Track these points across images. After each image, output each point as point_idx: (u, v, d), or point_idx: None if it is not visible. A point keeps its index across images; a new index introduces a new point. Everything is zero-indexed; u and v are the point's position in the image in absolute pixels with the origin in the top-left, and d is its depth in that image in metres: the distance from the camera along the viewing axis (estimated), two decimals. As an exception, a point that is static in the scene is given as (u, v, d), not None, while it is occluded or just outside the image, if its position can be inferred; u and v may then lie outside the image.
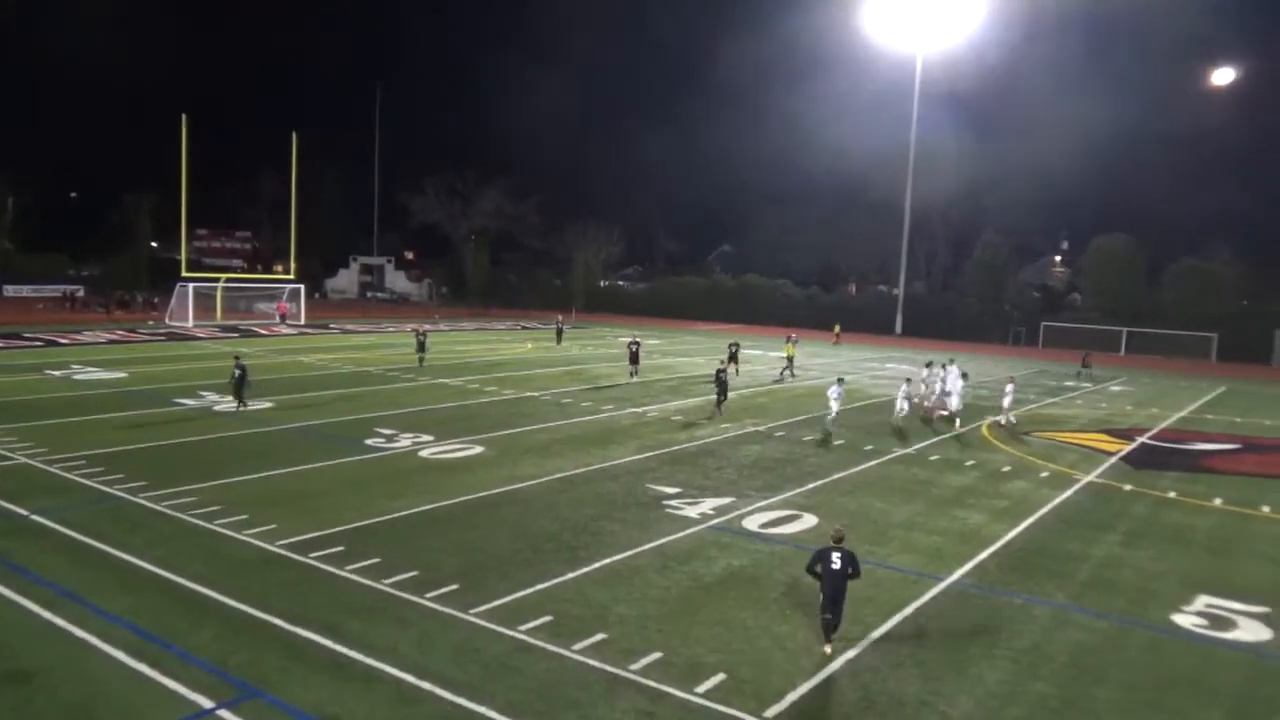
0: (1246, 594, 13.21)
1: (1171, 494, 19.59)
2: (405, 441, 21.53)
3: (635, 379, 34.43)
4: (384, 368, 36.15)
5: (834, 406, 24.97)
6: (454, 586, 12.08)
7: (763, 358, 48.28)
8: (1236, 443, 26.93)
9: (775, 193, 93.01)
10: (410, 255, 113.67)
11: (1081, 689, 10.01)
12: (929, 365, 31.76)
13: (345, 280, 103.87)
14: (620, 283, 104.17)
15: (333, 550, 13.35)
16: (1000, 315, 73.23)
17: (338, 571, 12.56)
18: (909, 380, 28.96)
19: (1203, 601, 12.84)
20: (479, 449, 21.04)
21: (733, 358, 39.41)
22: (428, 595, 11.77)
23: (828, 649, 10.47)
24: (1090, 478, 20.87)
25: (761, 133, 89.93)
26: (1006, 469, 21.42)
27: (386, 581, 12.20)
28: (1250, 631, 11.86)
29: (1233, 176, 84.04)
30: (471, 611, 11.30)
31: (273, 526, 14.33)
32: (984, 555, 14.63)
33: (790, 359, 39.89)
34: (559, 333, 51.99)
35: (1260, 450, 25.98)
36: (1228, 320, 63.84)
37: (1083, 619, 12.10)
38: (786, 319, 68.36)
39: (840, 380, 26.19)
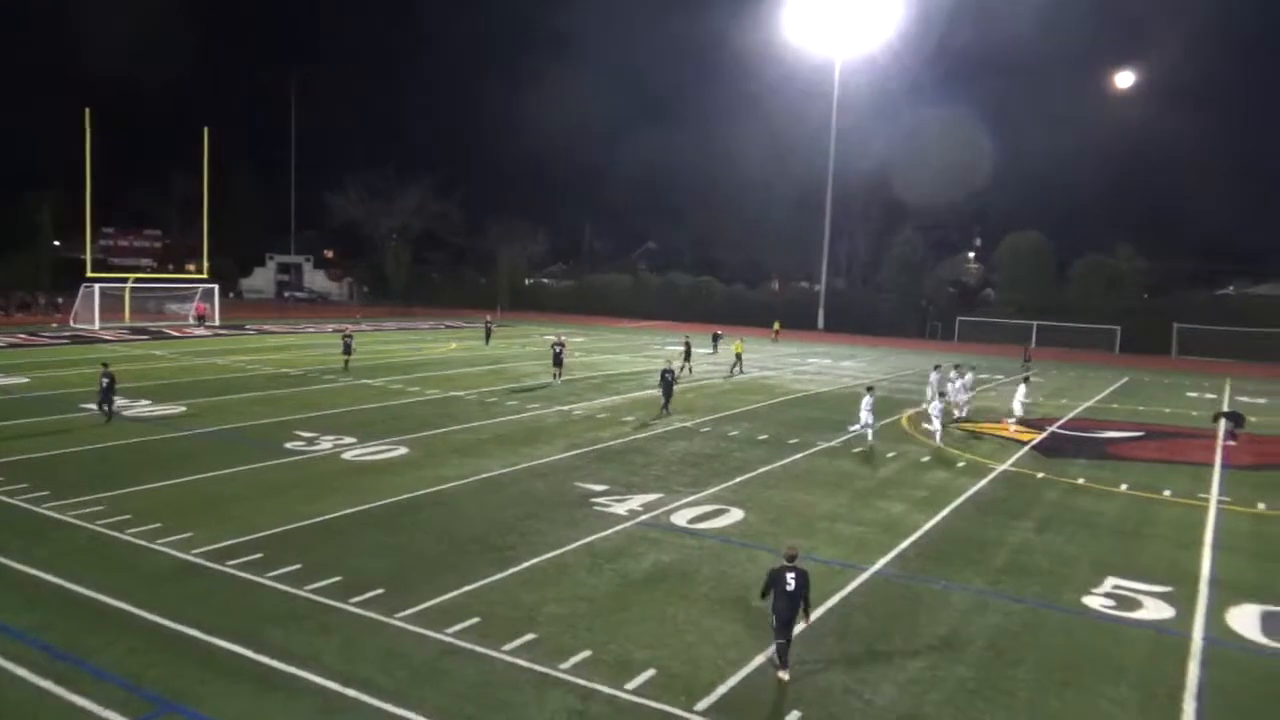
0: (1150, 575, 13.82)
1: (1081, 480, 20.36)
2: (326, 444, 21.05)
3: (559, 381, 33.26)
4: (303, 369, 35.29)
5: (865, 417, 23.30)
6: (379, 591, 11.86)
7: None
8: (1140, 430, 28.14)
9: (700, 190, 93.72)
10: (330, 254, 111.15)
11: (999, 671, 10.33)
12: (937, 368, 31.10)
13: (261, 279, 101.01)
14: (545, 280, 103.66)
15: (251, 558, 12.97)
16: (918, 310, 75.15)
17: (257, 579, 12.21)
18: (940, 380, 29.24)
19: (1111, 583, 13.39)
20: (403, 450, 20.70)
21: (686, 354, 39.88)
22: (352, 601, 11.53)
23: (785, 675, 9.72)
24: (1005, 467, 21.56)
25: (686, 131, 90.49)
26: (926, 459, 21.99)
27: (308, 588, 11.91)
28: (1154, 610, 12.40)
29: (1134, 176, 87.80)
30: (397, 616, 11.11)
31: (187, 535, 13.85)
32: (905, 544, 14.99)
33: (739, 356, 40.24)
34: (488, 332, 51.11)
35: (1161, 437, 27.20)
36: (1130, 314, 66.73)
37: (999, 603, 12.49)
38: (711, 316, 68.98)
39: (870, 389, 24.24)
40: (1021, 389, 29.12)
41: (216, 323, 57.27)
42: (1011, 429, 26.96)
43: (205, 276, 60.35)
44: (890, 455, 22.39)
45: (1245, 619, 12.18)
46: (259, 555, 13.07)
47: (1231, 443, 25.77)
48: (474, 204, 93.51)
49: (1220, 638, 11.55)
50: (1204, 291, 76.34)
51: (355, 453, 20.28)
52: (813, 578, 12.98)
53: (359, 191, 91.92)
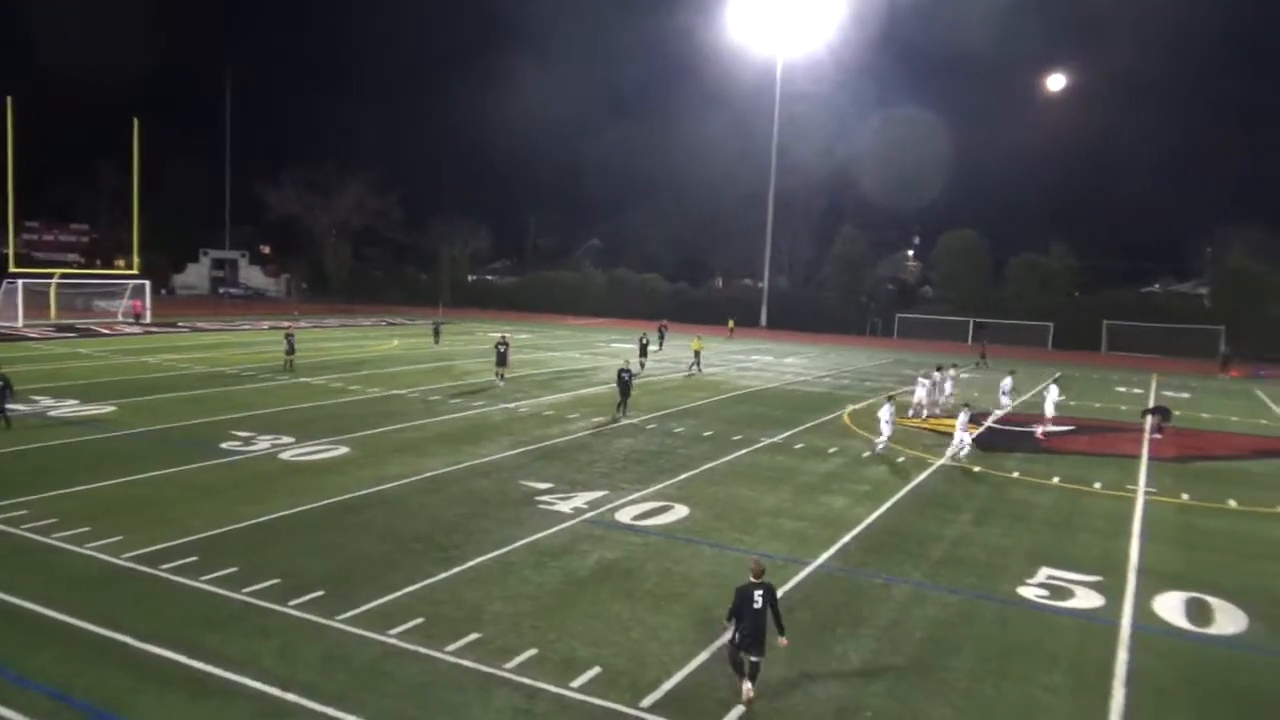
0: (1081, 565, 14.23)
1: (1015, 474, 20.88)
2: (264, 444, 20.61)
3: (503, 381, 32.00)
4: (240, 367, 34.49)
5: (886, 430, 22.19)
6: (319, 593, 11.66)
7: (632, 351, 48.63)
8: (1071, 424, 28.94)
9: (644, 188, 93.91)
10: (266, 249, 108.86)
11: (937, 661, 10.55)
12: (939, 369, 31.21)
13: (195, 276, 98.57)
14: (489, 277, 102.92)
15: (185, 561, 12.65)
16: (859, 308, 76.32)
17: (191, 583, 11.91)
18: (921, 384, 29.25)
19: (1044, 573, 13.75)
20: (344, 450, 20.37)
21: (643, 350, 40.03)
22: (291, 603, 11.31)
23: (750, 690, 9.26)
24: (943, 461, 22.00)
25: (630, 128, 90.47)
26: (867, 455, 22.33)
27: (246, 591, 11.65)
28: (1085, 599, 12.78)
29: (1065, 177, 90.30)
30: (338, 618, 10.93)
31: (118, 538, 13.45)
32: (847, 538, 15.21)
33: (698, 353, 40.31)
34: (436, 331, 49.46)
35: (1092, 431, 28.04)
36: (1062, 310, 68.67)
37: (938, 595, 12.75)
38: (656, 313, 69.14)
39: (890, 398, 23.26)
40: (1054, 390, 28.07)
41: (148, 320, 55.68)
42: (1039, 433, 26.62)
43: (136, 272, 58.66)
44: (832, 451, 22.70)
45: (1170, 606, 12.62)
46: (194, 558, 12.75)
47: (1158, 436, 26.67)
48: (415, 200, 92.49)
49: (1147, 624, 11.95)
50: (1131, 290, 78.87)
51: (294, 453, 19.90)
52: (756, 573, 13.23)
53: (297, 186, 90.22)
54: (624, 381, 26.40)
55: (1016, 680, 10.16)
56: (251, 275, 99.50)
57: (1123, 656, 10.90)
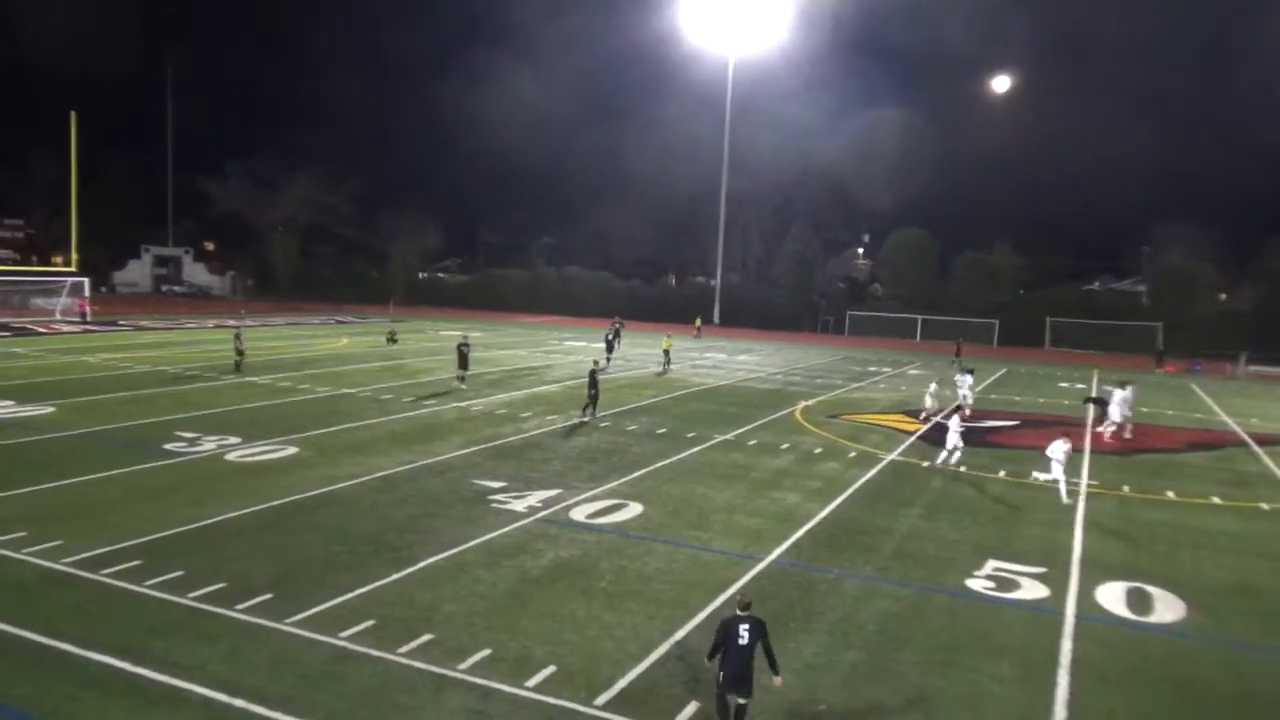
0: (1027, 557, 14.55)
1: (963, 469, 21.25)
2: (209, 445, 20.18)
3: (464, 385, 30.60)
4: (184, 367, 33.73)
5: (954, 440, 21.03)
6: (267, 596, 11.45)
7: (586, 349, 48.61)
8: (1016, 419, 29.57)
9: (596, 185, 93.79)
10: (211, 246, 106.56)
11: (889, 654, 10.70)
12: (969, 372, 31.18)
13: (136, 273, 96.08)
14: (440, 275, 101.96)
15: (128, 565, 12.33)
16: (810, 305, 77.10)
17: (135, 588, 11.62)
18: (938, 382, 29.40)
19: (992, 566, 14.03)
20: (292, 450, 20.03)
21: (609, 346, 40.11)
22: (238, 607, 11.10)
23: None
24: (893, 456, 22.33)
25: (583, 126, 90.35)
26: (818, 451, 22.57)
27: (191, 595, 11.40)
28: (1031, 591, 13.06)
29: (1010, 176, 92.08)
30: (287, 621, 10.75)
31: (57, 543, 13.07)
32: (800, 534, 15.36)
33: (667, 352, 40.21)
34: (391, 334, 47.99)
35: (1037, 426, 28.63)
36: (1007, 308, 70.10)
37: (888, 589, 12.93)
38: (609, 311, 69.08)
39: (958, 409, 22.13)
40: (1130, 391, 27.26)
41: (88, 319, 54.17)
42: (1107, 435, 26.65)
43: (74, 269, 57.00)
44: (784, 447, 22.90)
45: (1112, 595, 12.95)
46: (137, 563, 12.44)
47: (1100, 429, 27.34)
48: (365, 196, 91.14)
49: (1090, 614, 12.25)
50: (1073, 287, 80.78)
51: (241, 453, 19.51)
52: (711, 569, 13.31)
53: (242, 181, 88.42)
54: (594, 380, 25.77)
55: (965, 671, 10.35)
56: (196, 272, 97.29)
57: (1067, 646, 11.16)
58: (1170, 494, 19.54)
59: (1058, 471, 18.75)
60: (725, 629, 8.53)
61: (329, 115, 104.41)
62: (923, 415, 28.28)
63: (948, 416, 25.20)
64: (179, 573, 12.10)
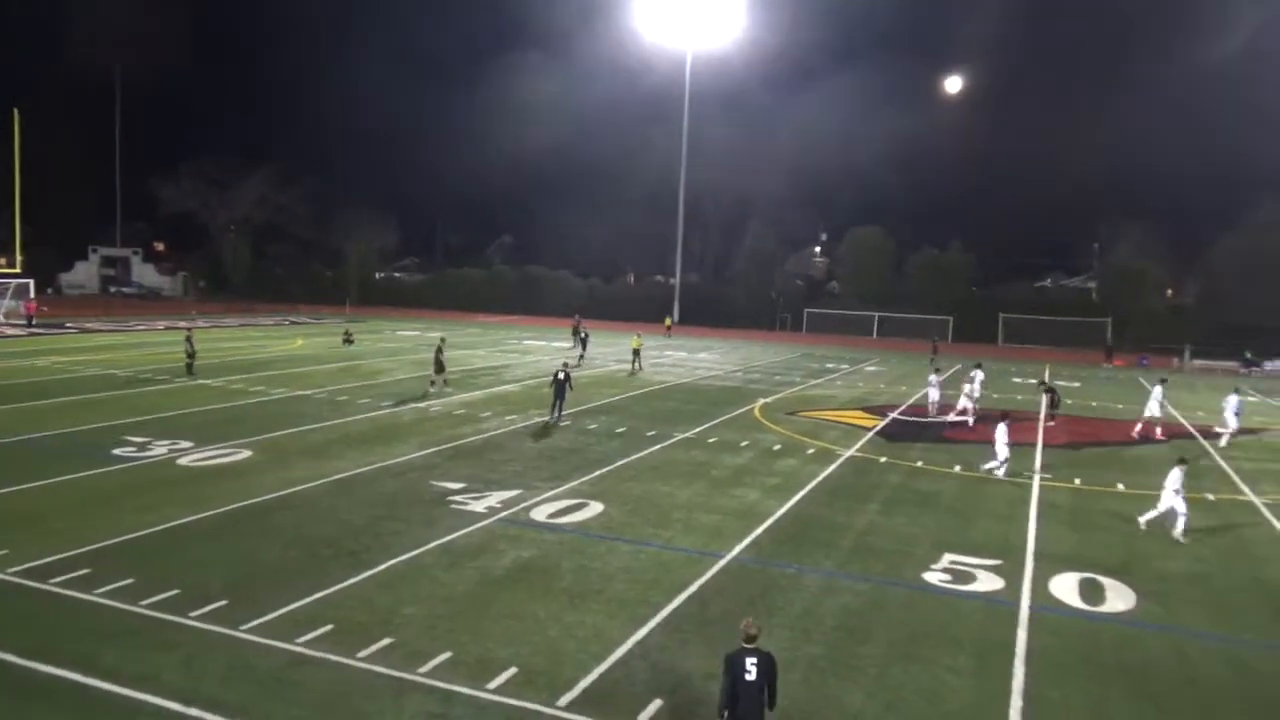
0: (982, 550, 14.78)
1: (920, 463, 21.54)
2: (160, 449, 19.76)
3: (443, 389, 30.01)
4: (134, 369, 33.00)
5: (1002, 451, 20.30)
6: (222, 603, 11.24)
7: (545, 348, 48.47)
8: (971, 415, 29.94)
9: (554, 184, 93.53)
10: (161, 246, 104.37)
11: (849, 648, 10.81)
12: (978, 366, 31.24)
13: (84, 274, 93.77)
14: (397, 274, 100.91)
15: (77, 574, 12.03)
16: (768, 303, 77.59)
17: (84, 597, 11.34)
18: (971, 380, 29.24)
19: (948, 559, 14.23)
20: (246, 453, 19.69)
21: (583, 344, 40.37)
22: (192, 614, 10.88)
23: None
24: (851, 452, 22.55)
25: (540, 124, 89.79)
26: (778, 448, 22.72)
27: (144, 603, 11.15)
28: (986, 583, 13.27)
29: (964, 174, 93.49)
30: (243, 628, 10.56)
31: (2, 552, 12.70)
32: (760, 530, 15.44)
33: (637, 351, 39.97)
34: (347, 335, 47.00)
35: (990, 421, 29.01)
36: (961, 305, 71.17)
37: (848, 583, 13.06)
38: (568, 310, 68.96)
39: (1006, 415, 21.29)
40: (1159, 390, 27.45)
41: (34, 321, 52.76)
42: (1135, 432, 26.98)
43: (18, 270, 55.44)
44: (744, 444, 23.01)
45: (1065, 586, 13.21)
46: (86, 571, 12.13)
47: (1051, 424, 27.86)
48: (320, 195, 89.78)
49: (1044, 605, 12.47)
50: (1025, 285, 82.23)
51: (193, 457, 19.14)
52: (672, 566, 13.33)
53: (193, 180, 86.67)
54: (559, 383, 25.37)
55: (924, 663, 10.48)
56: (145, 273, 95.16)
57: (1022, 636, 11.35)
58: (1120, 486, 19.97)
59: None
60: (732, 665, 7.75)
61: (282, 114, 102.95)
62: (953, 413, 28.30)
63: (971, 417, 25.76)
64: (130, 580, 11.83)
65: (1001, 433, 20.30)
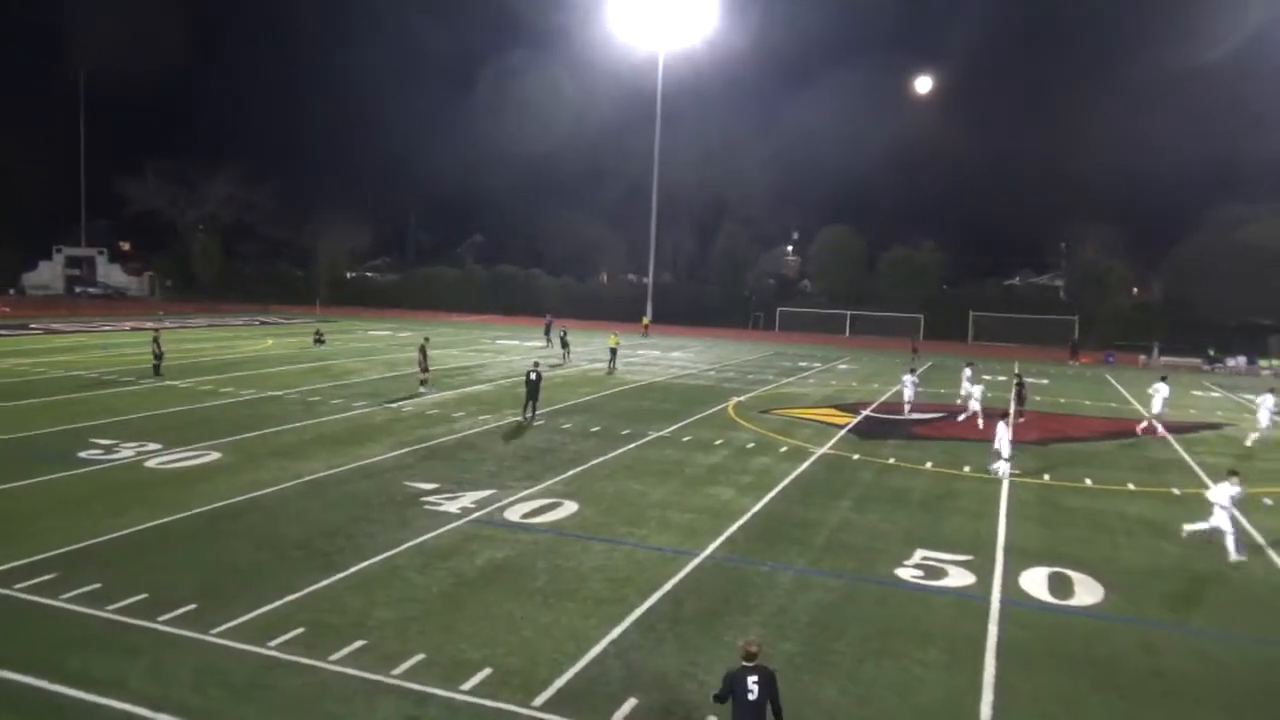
0: (953, 545, 14.92)
1: (892, 460, 21.71)
2: (127, 451, 19.49)
3: (421, 390, 29.73)
4: (100, 371, 32.51)
5: (1004, 449, 20.22)
6: (191, 606, 11.10)
7: (519, 347, 48.34)
8: (942, 411, 30.30)
9: (526, 184, 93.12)
10: (127, 245, 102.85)
11: (823, 644, 10.87)
12: (970, 364, 31.31)
13: (48, 274, 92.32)
14: (369, 274, 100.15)
15: (43, 579, 11.83)
16: (741, 301, 77.86)
17: (50, 602, 11.15)
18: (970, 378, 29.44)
19: (920, 555, 14.35)
20: (215, 455, 19.46)
21: (563, 343, 40.45)
22: (161, 619, 10.73)
23: None
24: (824, 450, 22.68)
25: (512, 124, 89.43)
26: (751, 446, 22.80)
27: (110, 608, 10.99)
28: (958, 578, 13.40)
29: (934, 174, 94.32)
30: (213, 632, 10.44)
31: (-36, 558, 12.48)
32: (734, 529, 15.49)
33: (614, 350, 39.86)
34: (318, 335, 46.65)
35: (990, 419, 29.33)
36: (932, 303, 71.82)
37: (821, 580, 13.14)
38: (541, 310, 68.81)
39: (1005, 417, 21.49)
40: (1163, 387, 27.54)
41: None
42: (1140, 428, 27.39)
43: (-21, 271, 54.45)
44: (718, 443, 23.07)
45: (1035, 580, 13.36)
46: (51, 576, 11.94)
47: (1020, 420, 28.17)
48: (290, 194, 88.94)
49: (1014, 599, 12.62)
50: (995, 283, 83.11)
51: (161, 460, 18.89)
52: (646, 565, 13.34)
53: (160, 178, 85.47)
54: (531, 383, 25.26)
55: (896, 658, 10.57)
56: (111, 273, 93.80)
57: (993, 631, 11.48)
58: (1088, 481, 20.24)
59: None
60: (733, 683, 7.66)
61: (251, 111, 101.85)
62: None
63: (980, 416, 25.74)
64: (96, 585, 11.66)
65: (1002, 431, 20.33)
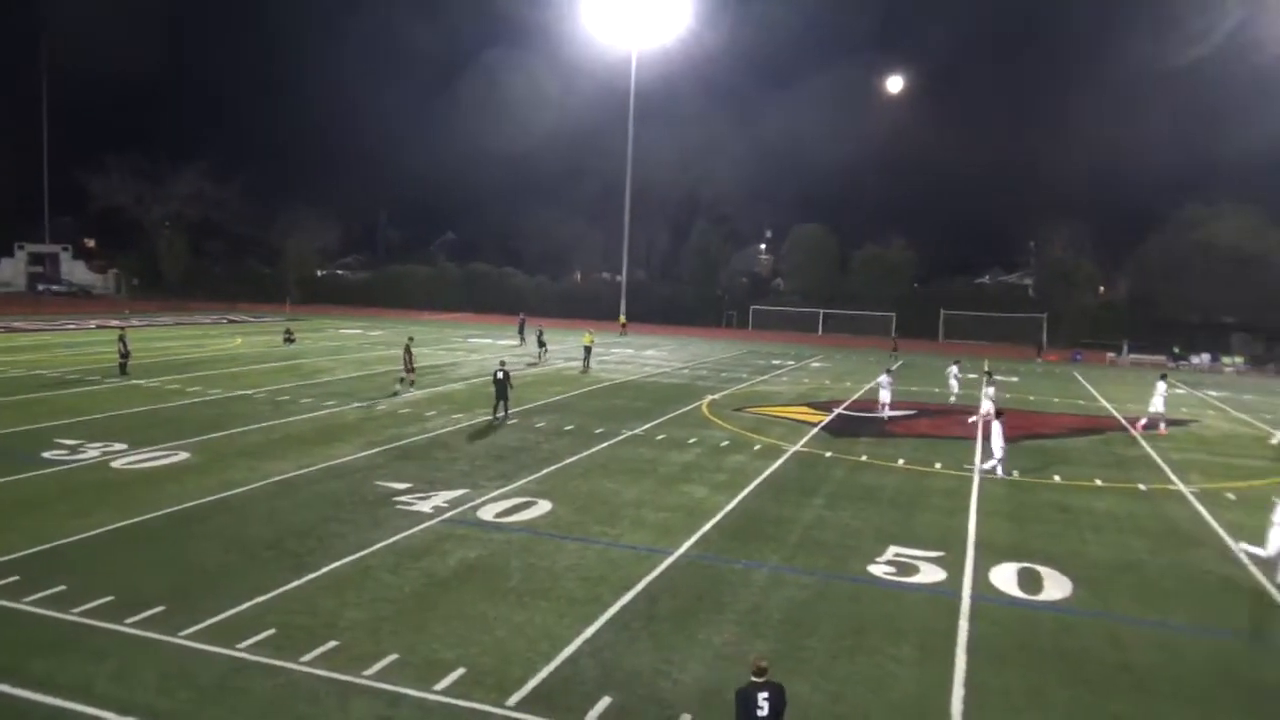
0: (925, 542, 15.04)
1: (864, 457, 21.85)
2: (93, 452, 19.18)
3: (397, 388, 29.69)
4: (64, 370, 31.97)
5: (997, 451, 20.26)
6: (159, 609, 10.94)
7: (491, 346, 48.14)
8: (913, 409, 30.54)
9: (500, 181, 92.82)
10: (91, 243, 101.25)
11: (796, 641, 10.92)
12: (957, 362, 31.35)
13: (10, 271, 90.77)
14: (339, 272, 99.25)
15: (6, 581, 11.61)
16: (714, 300, 78.05)
17: (13, 605, 10.94)
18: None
19: (892, 551, 14.45)
20: (183, 455, 19.20)
21: (541, 343, 40.44)
22: (127, 621, 10.57)
23: None
24: (797, 447, 22.78)
25: (486, 121, 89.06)
26: (725, 444, 22.86)
27: (76, 611, 10.81)
28: (929, 574, 13.51)
29: (906, 173, 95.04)
30: (181, 634, 10.30)
31: (-77, 561, 12.22)
32: (708, 527, 15.52)
33: (588, 349, 39.80)
34: (288, 334, 46.32)
35: (932, 415, 29.67)
36: (903, 301, 72.39)
37: (794, 577, 13.19)
38: (514, 308, 68.55)
39: (1001, 414, 21.45)
40: (1161, 386, 28.14)
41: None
42: (1140, 425, 27.81)
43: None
44: (692, 441, 23.10)
45: (1005, 576, 13.50)
46: (15, 578, 11.72)
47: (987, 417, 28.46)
48: (259, 190, 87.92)
49: (985, 594, 12.74)
50: (965, 281, 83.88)
51: (127, 460, 18.60)
52: (620, 564, 13.33)
53: (125, 175, 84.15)
54: (499, 382, 25.06)
55: (869, 654, 10.64)
56: (75, 270, 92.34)
57: (964, 626, 11.58)
58: (1057, 477, 20.48)
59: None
60: (743, 700, 7.53)
61: (220, 107, 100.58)
62: (885, 412, 28.35)
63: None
64: (61, 588, 11.46)
65: (996, 431, 20.35)
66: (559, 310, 75.61)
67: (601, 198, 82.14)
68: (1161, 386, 28.23)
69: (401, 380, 30.08)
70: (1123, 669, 10.59)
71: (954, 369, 32.19)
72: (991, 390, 28.16)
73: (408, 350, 30.66)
